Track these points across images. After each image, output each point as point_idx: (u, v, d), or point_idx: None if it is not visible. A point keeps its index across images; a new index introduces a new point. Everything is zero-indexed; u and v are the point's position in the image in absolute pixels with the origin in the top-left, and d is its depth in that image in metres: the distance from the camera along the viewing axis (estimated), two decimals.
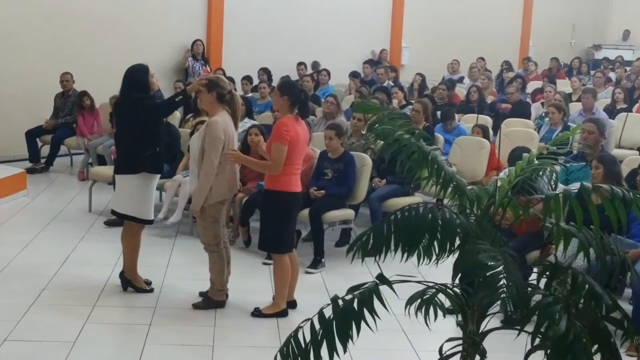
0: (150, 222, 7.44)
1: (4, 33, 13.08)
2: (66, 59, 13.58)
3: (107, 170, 10.11)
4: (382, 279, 4.02)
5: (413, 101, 12.53)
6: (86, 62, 13.96)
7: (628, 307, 6.34)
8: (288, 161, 6.63)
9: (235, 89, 7.36)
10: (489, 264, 3.69)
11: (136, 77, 7.20)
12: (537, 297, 3.77)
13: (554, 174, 4.32)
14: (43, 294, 7.21)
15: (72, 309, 6.90)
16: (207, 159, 6.68)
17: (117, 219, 8.14)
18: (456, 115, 12.40)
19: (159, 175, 7.46)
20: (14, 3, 13.26)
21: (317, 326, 3.81)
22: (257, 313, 6.90)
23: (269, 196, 6.87)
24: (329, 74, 16.19)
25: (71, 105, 13.05)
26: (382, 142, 4.41)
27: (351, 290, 3.94)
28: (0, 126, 13.02)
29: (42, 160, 12.90)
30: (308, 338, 3.81)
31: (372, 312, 3.84)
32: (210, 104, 6.88)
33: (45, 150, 12.98)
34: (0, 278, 7.63)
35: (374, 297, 3.87)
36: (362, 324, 3.81)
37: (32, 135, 12.90)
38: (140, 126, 7.10)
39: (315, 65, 17.83)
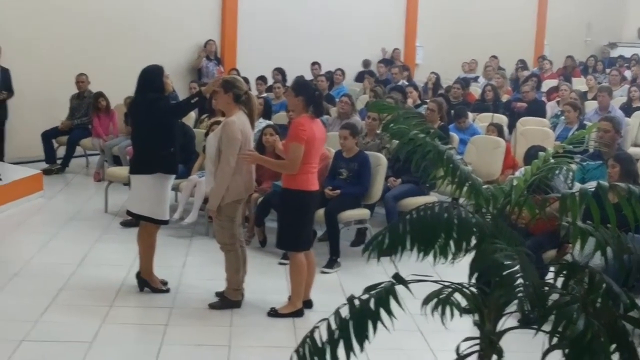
0: (165, 222, 7.46)
1: (19, 35, 13.14)
2: (81, 60, 13.63)
3: (123, 170, 10.13)
4: (398, 278, 4.01)
5: (428, 100, 12.52)
6: (101, 63, 14.02)
7: None
8: (305, 160, 6.64)
9: (250, 89, 7.35)
10: (506, 263, 3.68)
11: (151, 77, 7.22)
12: (555, 297, 3.76)
13: (570, 173, 4.30)
14: (60, 294, 7.24)
15: (89, 309, 6.93)
16: (223, 158, 6.70)
17: (132, 220, 8.17)
18: (470, 115, 12.38)
19: (174, 176, 7.47)
20: (29, 6, 13.31)
21: (334, 326, 3.80)
22: (273, 313, 6.91)
23: (286, 195, 6.87)
24: (343, 73, 16.19)
25: (87, 106, 13.09)
26: (397, 141, 4.41)
27: (367, 290, 3.94)
28: (16, 127, 13.07)
29: (58, 161, 12.96)
30: (324, 338, 3.81)
31: (389, 311, 3.84)
32: (227, 104, 6.90)
33: (61, 151, 13.03)
34: (18, 279, 7.66)
35: (390, 296, 3.87)
36: (379, 323, 3.80)
37: (48, 137, 12.95)
38: (155, 127, 7.12)
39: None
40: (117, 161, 11.99)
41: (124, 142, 11.74)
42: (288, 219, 6.92)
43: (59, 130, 13.02)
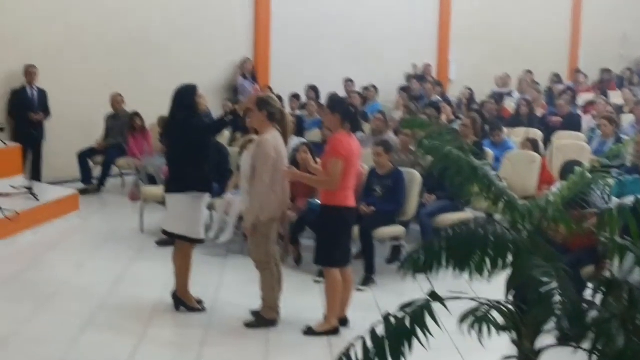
0: (201, 241, 7.47)
1: (55, 57, 13.30)
2: (116, 80, 13.77)
3: (158, 190, 10.18)
4: (434, 295, 3.99)
5: (461, 116, 12.47)
6: (136, 83, 14.14)
7: None
8: (343, 176, 6.64)
9: (283, 107, 7.37)
10: (543, 280, 3.65)
11: (183, 96, 7.25)
12: (593, 314, 3.71)
13: (607, 188, 4.26)
14: (96, 314, 7.27)
15: (126, 328, 6.95)
16: (258, 177, 6.71)
17: (168, 239, 8.20)
18: (505, 129, 12.31)
19: (208, 194, 7.49)
20: (65, 28, 13.45)
21: (370, 344, 3.78)
22: (309, 331, 6.88)
23: (325, 211, 6.86)
24: (376, 89, 16.17)
25: (122, 125, 13.21)
26: (430, 157, 4.39)
27: (403, 307, 3.91)
28: (53, 148, 13.21)
29: (94, 181, 13.06)
30: (360, 356, 3.79)
31: (425, 329, 3.81)
32: (261, 122, 6.91)
33: (97, 171, 13.14)
34: (55, 298, 7.71)
35: (427, 314, 3.84)
36: (415, 341, 3.77)
37: (84, 157, 13.06)
38: (189, 145, 7.15)
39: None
40: (152, 180, 12.05)
41: (159, 161, 11.79)
42: (326, 235, 6.91)
43: (95, 150, 13.13)
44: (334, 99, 7.36)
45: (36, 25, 13.07)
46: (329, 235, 6.87)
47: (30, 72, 12.74)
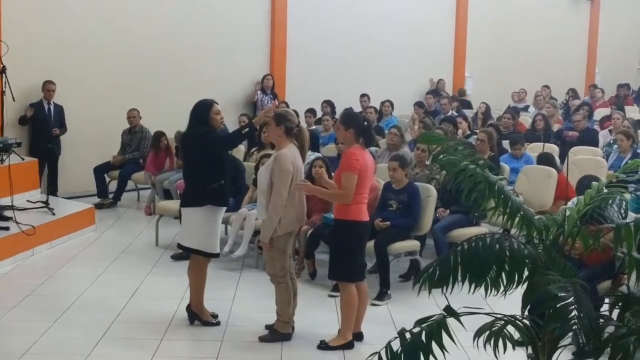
0: (216, 255, 7.47)
1: (72, 72, 13.40)
2: (132, 96, 13.86)
3: (174, 204, 10.21)
4: (449, 311, 3.98)
5: (477, 130, 12.45)
6: (153, 98, 14.23)
7: None
8: (357, 190, 6.64)
9: (300, 122, 7.38)
10: (559, 295, 3.63)
11: (198, 112, 7.29)
12: (610, 329, 3.69)
13: (624, 203, 4.24)
14: (112, 327, 7.28)
15: (141, 342, 6.95)
16: (275, 191, 6.71)
17: (183, 253, 8.21)
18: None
19: (224, 209, 7.49)
20: (83, 44, 13.55)
21: (385, 359, 3.77)
22: (323, 345, 6.86)
23: (339, 226, 6.85)
24: (392, 105, 16.19)
25: (138, 141, 13.28)
26: (446, 172, 4.38)
27: (419, 322, 3.91)
28: (69, 163, 13.30)
29: (110, 196, 13.12)
30: None
31: (440, 345, 3.80)
32: (279, 137, 6.92)
33: (112, 186, 13.19)
34: (71, 312, 7.72)
35: (442, 329, 3.83)
36: (430, 357, 3.76)
37: (100, 171, 13.12)
38: (205, 159, 7.17)
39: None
40: (167, 195, 12.09)
41: (175, 176, 11.84)
42: (340, 249, 6.89)
43: (111, 164, 13.19)
44: (347, 115, 7.34)
45: (55, 42, 13.20)
46: (343, 250, 6.85)
47: (48, 88, 12.84)
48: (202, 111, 7.26)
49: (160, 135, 12.81)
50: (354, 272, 6.88)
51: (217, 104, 7.39)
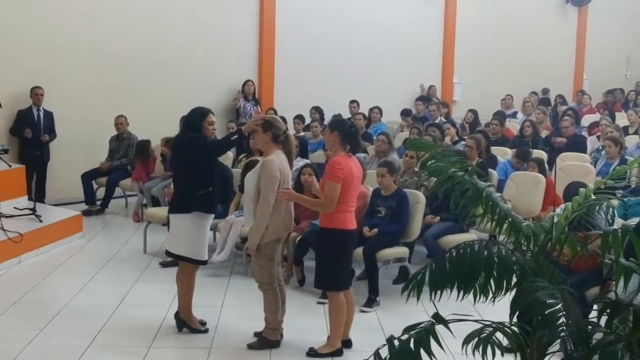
0: (204, 262, 7.45)
1: (59, 78, 13.36)
2: (120, 102, 13.82)
3: (162, 211, 10.20)
4: (438, 318, 3.97)
5: (465, 137, 12.47)
6: (140, 104, 14.21)
7: None
8: (342, 199, 6.62)
9: (288, 129, 7.37)
10: (548, 301, 3.63)
11: (190, 118, 7.31)
12: (598, 336, 3.70)
13: (612, 209, 4.24)
14: (100, 334, 7.25)
15: (129, 350, 6.92)
16: (263, 197, 6.70)
17: (171, 260, 8.18)
18: (509, 150, 12.31)
19: (212, 216, 7.47)
20: (71, 50, 13.52)
21: None
22: (312, 353, 6.85)
23: (324, 234, 6.84)
24: (380, 111, 16.20)
25: (126, 147, 13.26)
26: (435, 179, 4.38)
27: (407, 329, 3.90)
28: (57, 169, 13.25)
29: (98, 202, 13.08)
30: None
31: (429, 352, 3.80)
32: (266, 144, 6.92)
33: (100, 193, 13.15)
34: (58, 319, 7.69)
35: (431, 336, 3.82)
36: None
37: (88, 178, 13.08)
38: (193, 166, 7.16)
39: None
40: (155, 202, 12.06)
41: (162, 184, 11.84)
42: (326, 258, 6.88)
43: (99, 171, 13.15)
44: (334, 119, 7.35)
45: (43, 47, 13.15)
46: (328, 259, 6.83)
47: (36, 93, 12.80)
48: (196, 118, 7.26)
49: (145, 144, 12.79)
50: (340, 280, 6.86)
51: (213, 114, 7.40)
